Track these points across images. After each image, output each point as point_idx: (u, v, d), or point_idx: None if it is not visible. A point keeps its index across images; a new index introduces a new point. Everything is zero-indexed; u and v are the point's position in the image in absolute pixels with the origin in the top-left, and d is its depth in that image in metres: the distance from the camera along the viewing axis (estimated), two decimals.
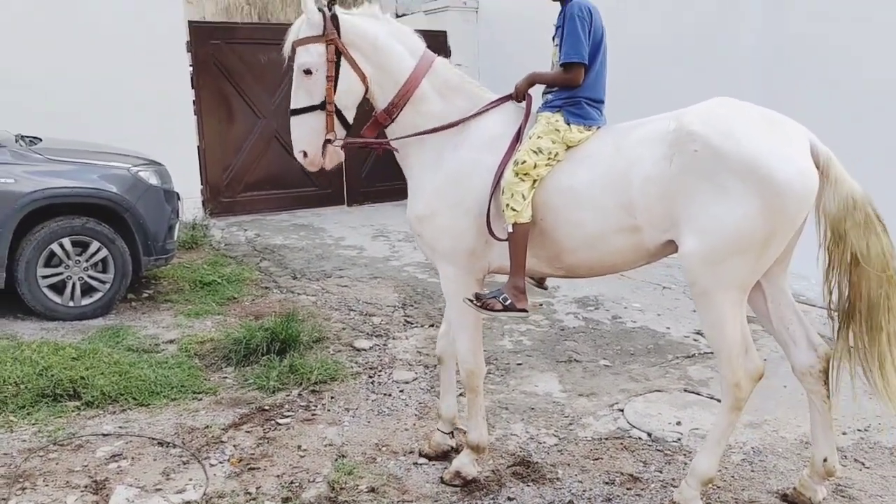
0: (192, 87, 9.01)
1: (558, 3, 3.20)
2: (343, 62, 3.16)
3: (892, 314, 2.85)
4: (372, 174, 10.25)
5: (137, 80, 8.17)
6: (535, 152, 2.99)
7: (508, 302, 3.05)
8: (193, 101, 9.02)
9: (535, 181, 2.98)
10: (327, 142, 3.20)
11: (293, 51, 3.19)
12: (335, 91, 3.16)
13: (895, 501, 3.20)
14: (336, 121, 3.20)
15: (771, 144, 2.72)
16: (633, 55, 7.89)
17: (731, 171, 2.70)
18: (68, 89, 7.78)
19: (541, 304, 5.94)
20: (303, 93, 3.21)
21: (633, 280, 6.39)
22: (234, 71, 9.36)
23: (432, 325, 5.43)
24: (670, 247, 2.94)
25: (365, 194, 10.34)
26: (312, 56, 3.14)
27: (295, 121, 3.24)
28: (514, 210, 2.95)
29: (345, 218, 9.42)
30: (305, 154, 3.25)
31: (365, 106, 3.34)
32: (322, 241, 8.21)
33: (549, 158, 3.01)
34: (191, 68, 8.98)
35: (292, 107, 3.25)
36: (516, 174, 2.97)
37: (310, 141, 3.22)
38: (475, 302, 3.13)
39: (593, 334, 5.31)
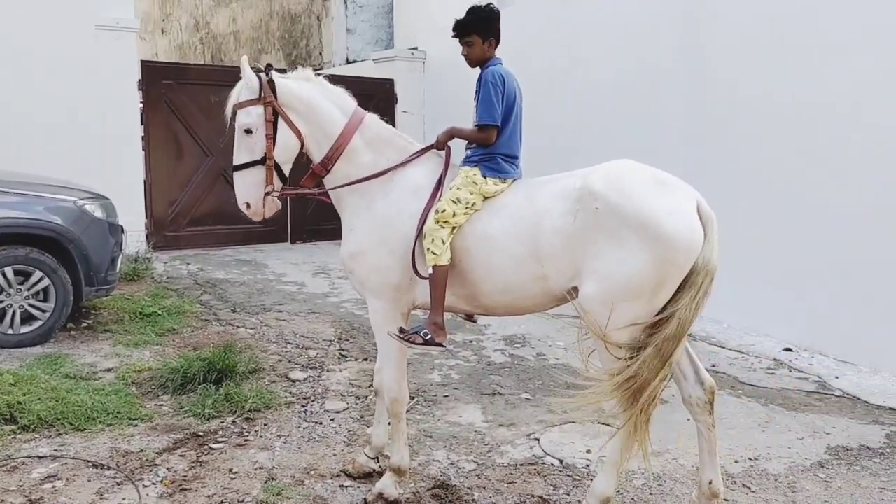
0: (142, 124, 9.18)
1: (478, 68, 3.59)
2: (280, 122, 3.50)
3: (664, 373, 3.16)
4: (315, 213, 10.51)
5: (88, 114, 8.35)
6: (454, 202, 3.33)
7: (429, 337, 3.35)
8: (142, 137, 9.19)
9: (453, 228, 3.31)
10: (266, 194, 3.52)
11: (234, 113, 3.52)
12: (273, 147, 3.48)
13: None
14: (275, 174, 3.52)
15: (662, 203, 3.10)
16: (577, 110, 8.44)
17: (627, 226, 3.07)
18: (16, 120, 7.89)
19: (471, 341, 6.25)
20: (244, 150, 3.53)
21: (558, 321, 6.73)
22: (184, 109, 9.58)
23: (366, 359, 5.68)
24: (576, 292, 3.28)
25: (308, 232, 10.57)
26: (252, 117, 3.48)
27: (238, 175, 3.56)
28: (434, 254, 3.27)
29: (287, 255, 9.63)
30: (249, 205, 3.56)
31: (302, 158, 3.66)
32: (264, 276, 8.40)
33: (466, 208, 3.35)
34: (141, 105, 9.16)
35: (235, 163, 3.57)
36: (437, 221, 3.29)
37: (252, 193, 3.54)
38: (399, 335, 3.42)
39: (517, 370, 5.62)
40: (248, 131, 3.50)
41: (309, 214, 10.62)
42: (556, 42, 8.73)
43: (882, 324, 5.52)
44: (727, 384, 5.30)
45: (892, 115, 5.46)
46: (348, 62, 12.96)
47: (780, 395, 5.14)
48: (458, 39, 3.61)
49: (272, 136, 3.48)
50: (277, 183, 3.56)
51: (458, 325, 6.68)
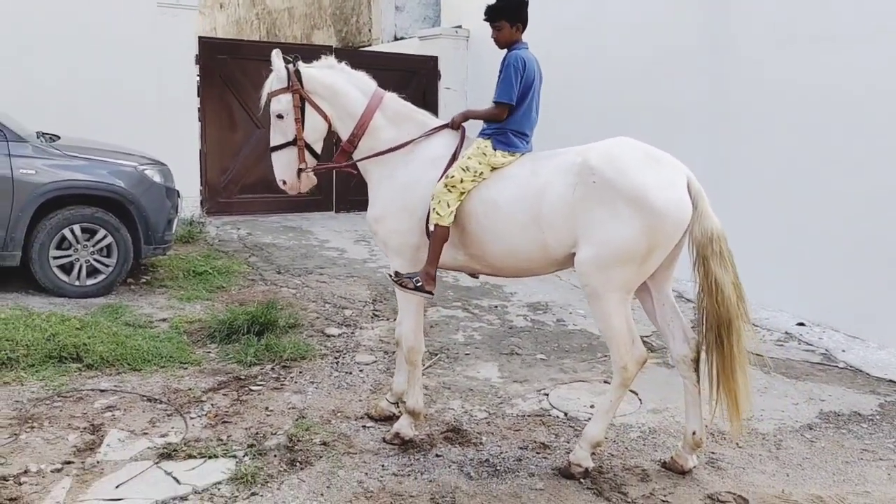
0: (198, 96, 9.72)
1: (505, 50, 3.94)
2: (307, 106, 3.95)
3: (739, 338, 3.53)
4: (359, 185, 10.82)
5: (149, 86, 8.90)
6: (463, 170, 3.71)
7: (420, 283, 3.77)
8: (198, 109, 9.73)
9: (461, 193, 3.69)
10: (300, 170, 3.97)
11: (268, 100, 3.98)
12: (303, 129, 3.94)
13: (755, 473, 3.85)
14: (307, 153, 3.98)
15: (653, 177, 3.45)
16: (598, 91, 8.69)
17: (621, 198, 3.42)
18: (85, 92, 8.48)
19: (496, 307, 6.63)
20: (278, 133, 4.02)
21: (581, 290, 7.06)
22: (237, 83, 10.07)
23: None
24: (573, 259, 3.63)
25: (352, 202, 11.02)
26: (282, 104, 3.95)
27: (274, 156, 4.05)
28: (438, 214, 3.66)
29: (331, 223, 10.10)
30: (285, 182, 4.04)
31: (332, 140, 4.11)
32: (308, 242, 8.90)
33: (474, 176, 3.72)
34: (198, 79, 9.69)
35: (271, 145, 4.06)
36: (445, 185, 3.68)
37: (287, 171, 4.02)
38: (395, 279, 3.83)
39: (536, 333, 5.99)
40: (280, 116, 3.97)
41: (353, 186, 11.06)
42: (579, 28, 9.01)
43: (893, 301, 5.71)
44: None
45: None
46: (396, 39, 13.30)
47: (784, 365, 5.39)
48: (488, 23, 3.96)
49: (300, 120, 3.94)
50: (310, 160, 4.02)
51: (485, 292, 7.08)
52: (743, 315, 3.54)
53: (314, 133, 4.01)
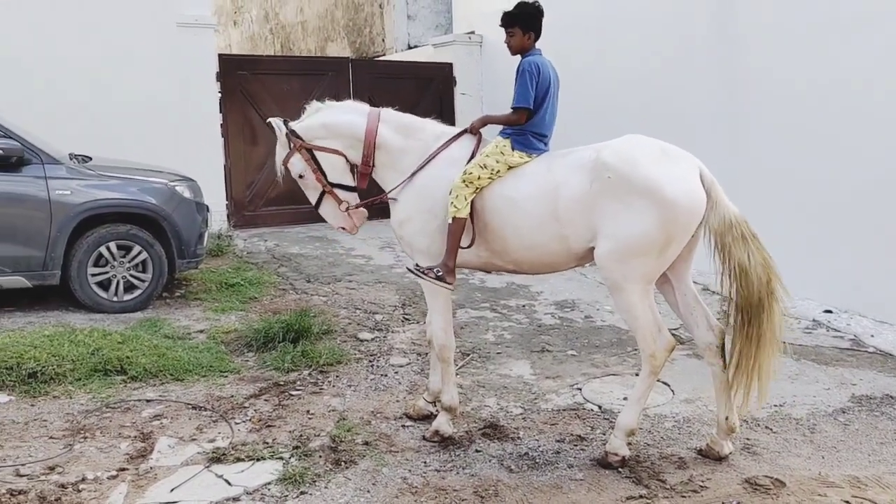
0: (220, 112, 9.91)
1: (519, 56, 4.06)
2: (317, 153, 4.12)
3: (770, 317, 3.60)
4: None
5: (172, 105, 9.09)
6: (481, 167, 3.84)
7: (440, 274, 3.89)
8: (221, 125, 9.91)
9: (476, 188, 3.81)
10: (346, 210, 4.18)
11: (286, 170, 4.21)
12: (325, 175, 4.14)
13: (790, 457, 3.92)
14: (343, 192, 4.18)
15: (665, 171, 3.56)
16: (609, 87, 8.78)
17: (635, 192, 3.52)
18: (111, 111, 8.67)
19: (523, 306, 6.73)
20: (310, 190, 4.25)
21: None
22: (257, 98, 10.26)
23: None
24: (593, 253, 3.73)
25: (376, 210, 11.13)
26: (296, 166, 4.19)
27: (321, 211, 4.29)
28: (455, 207, 3.79)
29: None
30: (344, 228, 4.27)
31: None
32: (334, 251, 9.04)
33: (491, 173, 3.85)
34: (219, 95, 9.88)
35: (312, 203, 4.28)
36: (463, 180, 3.81)
37: (338, 218, 4.27)
38: (417, 270, 3.99)
39: (566, 330, 6.08)
40: (301, 176, 4.21)
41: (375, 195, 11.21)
42: (588, 27, 9.12)
43: None
44: None
45: None
46: (409, 48, 13.46)
47: (813, 352, 5.45)
48: (503, 28, 4.08)
49: (318, 170, 4.13)
50: (349, 196, 4.20)
51: (512, 292, 7.18)
52: (773, 293, 3.60)
53: (336, 171, 4.18)
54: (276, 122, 4.18)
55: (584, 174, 3.66)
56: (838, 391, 4.76)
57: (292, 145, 4.13)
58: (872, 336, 5.75)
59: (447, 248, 3.88)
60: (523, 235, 3.80)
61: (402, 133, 4.14)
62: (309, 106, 4.25)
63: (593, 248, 3.68)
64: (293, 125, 4.17)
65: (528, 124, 3.94)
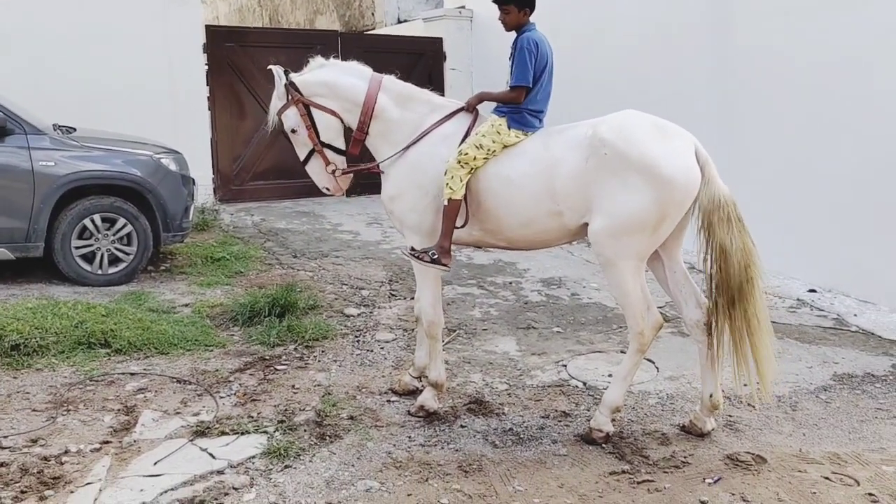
0: (207, 85, 9.79)
1: (514, 32, 4.00)
2: (313, 110, 4.03)
3: (751, 302, 3.61)
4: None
5: (159, 77, 8.98)
6: (476, 147, 3.79)
7: (436, 256, 3.86)
8: (208, 98, 9.80)
9: (472, 169, 3.78)
10: (332, 172, 4.09)
11: (279, 121, 4.09)
12: (318, 133, 4.05)
13: (772, 434, 3.96)
14: (332, 153, 4.09)
15: (662, 147, 3.53)
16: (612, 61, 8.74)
17: (631, 168, 3.50)
18: (97, 84, 8.55)
19: (510, 283, 6.74)
20: (300, 147, 4.16)
21: (594, 264, 7.15)
22: (245, 71, 10.14)
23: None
24: (587, 228, 3.72)
25: (363, 186, 11.09)
26: (290, 119, 4.08)
27: (307, 169, 4.19)
28: (451, 188, 3.75)
29: (343, 207, 10.18)
30: (328, 189, 4.18)
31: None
32: (321, 226, 9.00)
33: (487, 153, 3.81)
34: (206, 67, 9.76)
35: (301, 159, 4.17)
36: (458, 161, 3.76)
37: (323, 178, 4.17)
38: (412, 253, 3.95)
39: (552, 307, 6.10)
40: (294, 131, 4.10)
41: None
42: (583, 4, 9.03)
43: None
44: None
45: None
46: (399, 21, 13.32)
47: (797, 331, 5.49)
48: (497, 5, 4.02)
49: (311, 126, 4.04)
50: (338, 159, 4.12)
51: (499, 269, 7.18)
52: (752, 280, 3.60)
53: (330, 131, 4.10)
54: (278, 70, 4.07)
55: (581, 150, 3.63)
56: (820, 369, 4.80)
57: (290, 98, 4.04)
58: (855, 315, 5.79)
59: (442, 231, 3.85)
60: (519, 214, 3.78)
61: (401, 105, 4.07)
62: (313, 60, 4.16)
63: (587, 224, 3.66)
64: (294, 77, 4.07)
65: (525, 102, 3.89)
